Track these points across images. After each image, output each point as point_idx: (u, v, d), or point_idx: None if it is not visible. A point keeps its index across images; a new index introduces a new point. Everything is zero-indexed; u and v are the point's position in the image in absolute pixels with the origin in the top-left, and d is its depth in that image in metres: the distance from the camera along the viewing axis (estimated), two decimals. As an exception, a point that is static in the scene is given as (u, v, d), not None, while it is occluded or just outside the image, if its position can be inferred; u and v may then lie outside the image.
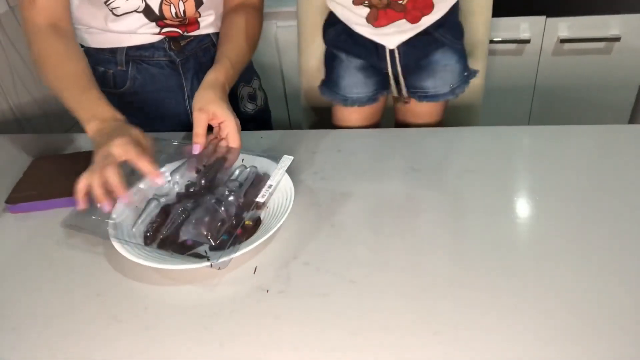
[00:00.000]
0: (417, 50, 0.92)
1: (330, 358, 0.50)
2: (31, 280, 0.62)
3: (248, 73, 1.04)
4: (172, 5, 0.86)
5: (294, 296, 0.57)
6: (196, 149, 0.71)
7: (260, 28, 0.93)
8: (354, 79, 0.95)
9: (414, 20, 0.87)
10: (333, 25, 0.94)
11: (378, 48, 0.91)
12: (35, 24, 0.79)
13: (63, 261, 0.64)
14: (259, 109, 1.08)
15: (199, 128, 0.71)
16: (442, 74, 0.95)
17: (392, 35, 0.89)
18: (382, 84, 0.97)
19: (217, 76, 0.77)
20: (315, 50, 1.18)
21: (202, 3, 0.89)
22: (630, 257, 0.59)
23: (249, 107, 1.05)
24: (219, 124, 0.73)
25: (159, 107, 0.96)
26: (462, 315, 0.53)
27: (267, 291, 0.58)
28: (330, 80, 0.98)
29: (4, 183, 0.79)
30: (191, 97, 0.97)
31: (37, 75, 1.31)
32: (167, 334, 0.54)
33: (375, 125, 1.05)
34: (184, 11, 0.88)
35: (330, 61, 0.97)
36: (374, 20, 0.86)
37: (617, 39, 1.44)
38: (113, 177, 0.62)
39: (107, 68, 0.91)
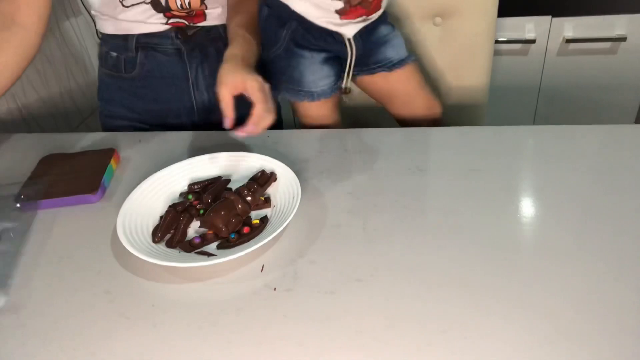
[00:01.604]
0: (368, 31, 0.96)
1: (336, 356, 0.50)
2: (39, 277, 0.63)
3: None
4: None
5: (301, 294, 0.57)
6: (226, 123, 0.71)
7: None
8: (319, 73, 0.97)
9: (369, 15, 0.92)
10: (283, 26, 0.93)
11: (334, 36, 0.94)
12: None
13: (71, 259, 0.65)
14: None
15: (224, 102, 0.71)
16: (394, 42, 1.01)
17: (348, 26, 0.92)
18: (340, 72, 1.00)
19: (233, 50, 0.78)
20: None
21: None
22: (636, 257, 0.59)
23: None
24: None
25: (166, 94, 0.99)
26: (469, 314, 0.53)
27: (274, 289, 0.58)
28: (292, 80, 0.97)
29: (12, 181, 0.80)
30: (196, 85, 1.00)
31: (44, 75, 1.31)
32: (175, 331, 0.54)
33: (337, 119, 1.06)
34: (189, 3, 0.90)
35: (288, 61, 0.96)
36: (343, 14, 0.89)
37: (623, 39, 1.44)
38: None
39: (119, 53, 0.95)
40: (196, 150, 0.79)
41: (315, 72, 0.96)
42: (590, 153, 0.79)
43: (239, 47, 0.80)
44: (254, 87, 0.71)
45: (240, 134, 0.71)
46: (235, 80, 0.71)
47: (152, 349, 0.52)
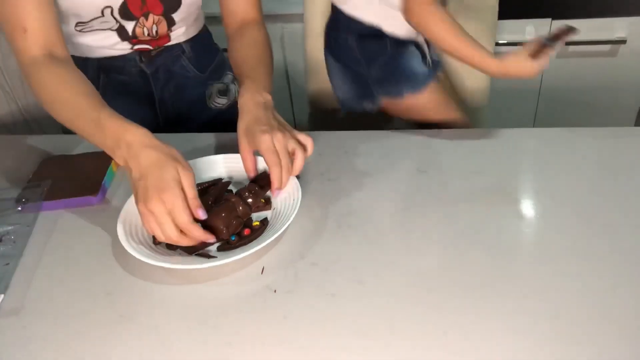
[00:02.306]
0: None
1: (337, 358, 0.50)
2: (40, 279, 0.63)
3: (220, 69, 1.03)
4: (145, 27, 0.87)
5: (301, 296, 0.57)
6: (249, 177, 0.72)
7: (268, 38, 0.89)
8: (418, 60, 1.04)
9: None
10: (382, 39, 1.01)
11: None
12: (29, 56, 0.72)
13: (72, 260, 0.65)
14: (233, 102, 1.06)
15: (243, 161, 0.71)
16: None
17: None
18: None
19: (243, 99, 0.73)
20: (321, 52, 1.19)
21: (174, 23, 0.89)
22: (637, 259, 0.59)
23: (220, 102, 1.04)
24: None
25: (130, 115, 0.95)
26: (470, 316, 0.53)
27: (275, 291, 0.58)
28: (411, 76, 1.03)
29: (13, 183, 0.80)
30: (161, 106, 0.98)
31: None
32: (176, 333, 0.54)
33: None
34: (157, 31, 0.89)
35: (399, 61, 1.03)
36: None
37: (622, 42, 1.44)
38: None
39: None
40: (197, 152, 0.79)
41: (419, 58, 1.04)
42: (590, 155, 0.79)
43: (250, 91, 0.74)
44: (262, 149, 0.67)
45: (280, 195, 0.70)
46: (250, 144, 0.69)
47: (152, 351, 0.52)
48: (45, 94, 0.70)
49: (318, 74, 1.22)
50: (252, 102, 0.72)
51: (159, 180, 0.58)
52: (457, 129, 0.88)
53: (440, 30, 0.88)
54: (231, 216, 0.65)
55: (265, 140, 0.66)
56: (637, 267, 0.58)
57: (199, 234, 0.60)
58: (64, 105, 0.69)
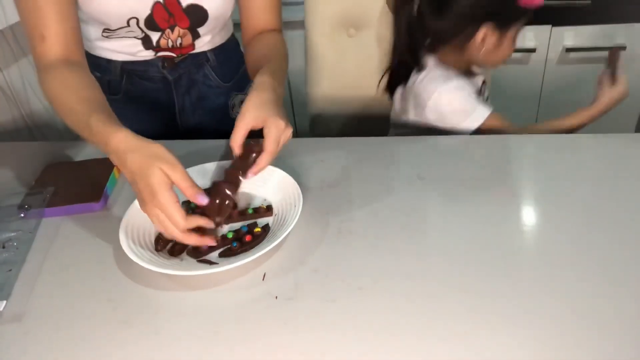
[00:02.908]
0: None
1: (338, 364, 0.51)
2: (42, 285, 0.63)
3: (244, 80, 1.04)
4: (169, 39, 0.87)
5: (302, 302, 0.57)
6: (234, 153, 0.67)
7: (285, 47, 0.87)
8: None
9: None
10: None
11: None
12: (45, 61, 0.72)
13: (74, 267, 0.65)
14: None
15: (235, 135, 0.66)
16: None
17: None
18: None
19: (262, 78, 0.69)
20: (322, 58, 1.20)
21: (199, 36, 0.90)
22: (638, 264, 0.59)
23: None
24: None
25: (150, 120, 0.96)
26: (470, 322, 0.53)
27: (276, 297, 0.58)
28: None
29: (16, 189, 0.80)
30: (182, 113, 0.99)
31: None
32: (177, 339, 0.54)
33: None
34: (180, 43, 0.89)
35: None
36: None
37: (622, 48, 1.44)
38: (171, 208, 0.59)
39: (103, 75, 0.91)
40: (200, 159, 0.79)
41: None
42: (591, 161, 0.79)
43: (268, 74, 0.71)
44: (270, 134, 0.65)
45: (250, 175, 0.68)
46: (257, 118, 0.65)
47: (154, 357, 0.53)
48: (54, 100, 0.70)
49: (319, 80, 1.23)
50: (274, 84, 0.69)
51: (146, 186, 0.59)
52: (457, 135, 0.89)
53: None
54: (222, 202, 0.65)
55: (280, 126, 0.64)
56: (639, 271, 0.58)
57: (199, 222, 0.61)
58: (68, 111, 0.69)
